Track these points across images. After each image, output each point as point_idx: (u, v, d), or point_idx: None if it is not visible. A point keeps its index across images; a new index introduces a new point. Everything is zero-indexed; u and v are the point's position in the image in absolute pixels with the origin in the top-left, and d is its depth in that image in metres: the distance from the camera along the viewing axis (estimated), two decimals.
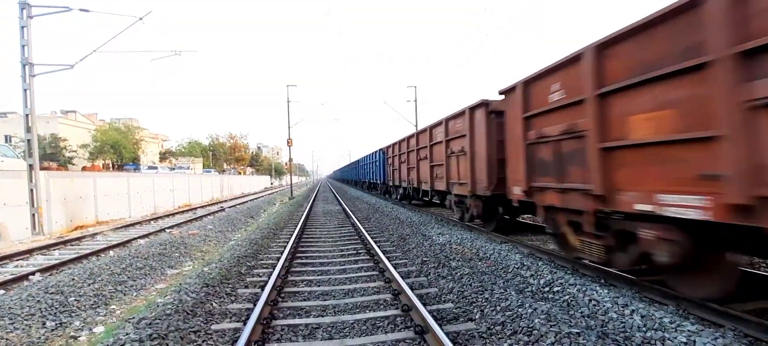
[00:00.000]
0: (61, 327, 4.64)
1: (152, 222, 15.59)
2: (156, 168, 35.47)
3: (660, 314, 3.50)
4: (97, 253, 8.76)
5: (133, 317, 4.21)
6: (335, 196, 26.46)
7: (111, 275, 6.64)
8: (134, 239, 10.63)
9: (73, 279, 6.21)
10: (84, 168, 27.70)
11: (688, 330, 3.17)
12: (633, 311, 3.63)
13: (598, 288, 4.27)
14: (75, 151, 32.25)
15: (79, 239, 11.23)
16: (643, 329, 3.33)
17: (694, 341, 3.01)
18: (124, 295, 5.97)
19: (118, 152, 34.50)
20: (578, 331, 3.38)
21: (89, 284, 6.08)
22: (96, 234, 12.08)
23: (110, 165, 35.20)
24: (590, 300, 3.99)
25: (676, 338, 3.10)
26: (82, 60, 12.24)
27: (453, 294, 4.82)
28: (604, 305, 3.83)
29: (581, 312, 3.83)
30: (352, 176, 41.50)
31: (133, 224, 14.70)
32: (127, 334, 3.72)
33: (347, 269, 6.36)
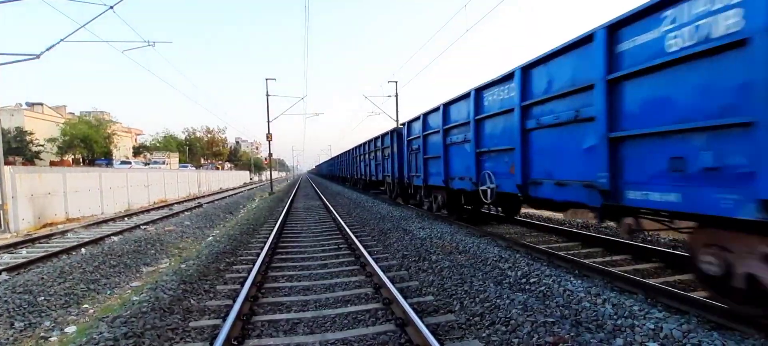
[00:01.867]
0: (30, 328, 4.47)
1: (126, 219, 15.13)
2: (129, 163, 34.39)
3: (630, 303, 3.65)
4: (67, 251, 8.44)
5: (107, 316, 4.10)
6: (316, 191, 26.28)
7: (83, 273, 6.43)
8: (107, 236, 10.29)
9: (43, 278, 5.97)
10: (52, 163, 26.57)
11: (656, 317, 3.32)
12: (605, 300, 3.77)
13: (572, 279, 4.42)
14: (42, 145, 30.88)
15: (48, 236, 10.80)
16: (615, 317, 3.47)
17: (662, 327, 3.15)
18: (98, 293, 5.79)
19: (88, 147, 33.20)
20: (553, 320, 3.49)
21: (60, 283, 5.86)
22: (66, 231, 11.64)
23: (80, 160, 33.87)
24: (565, 291, 4.12)
25: (644, 324, 3.24)
26: (49, 50, 11.67)
27: (433, 287, 4.89)
28: (577, 295, 3.96)
29: (556, 302, 3.95)
30: (333, 171, 41.42)
31: (105, 221, 14.23)
32: (100, 333, 3.63)
33: (328, 263, 6.35)
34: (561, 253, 5.79)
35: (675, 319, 3.28)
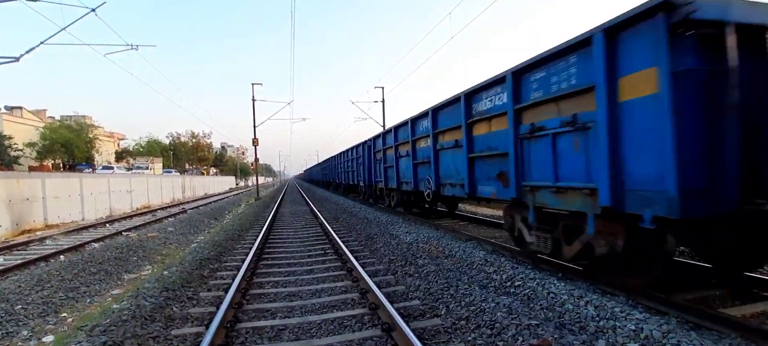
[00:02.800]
0: (7, 337, 4.33)
1: (108, 225, 14.78)
2: (112, 168, 33.60)
3: (612, 304, 3.72)
4: (46, 258, 8.20)
5: (86, 325, 3.99)
6: (303, 196, 26.12)
7: (62, 281, 6.25)
8: (88, 242, 10.03)
9: (20, 286, 5.80)
10: (31, 168, 25.82)
11: (637, 318, 3.39)
12: (587, 302, 3.83)
13: (555, 281, 4.48)
14: (21, 150, 29.98)
15: (25, 243, 10.48)
16: (597, 318, 3.52)
17: (642, 328, 3.22)
18: (77, 302, 5.64)
19: (69, 152, 32.39)
20: (537, 323, 3.53)
21: (37, 291, 5.70)
22: (45, 238, 11.30)
23: (61, 165, 33.01)
24: (548, 293, 4.18)
25: (625, 326, 3.30)
26: (29, 52, 11.39)
27: (420, 291, 4.90)
28: (561, 298, 4.01)
29: (540, 305, 4.00)
30: (320, 176, 41.35)
31: (86, 227, 13.87)
32: (79, 342, 3.54)
33: (315, 269, 6.31)
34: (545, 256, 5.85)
35: (655, 320, 3.35)
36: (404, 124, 10.27)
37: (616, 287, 4.36)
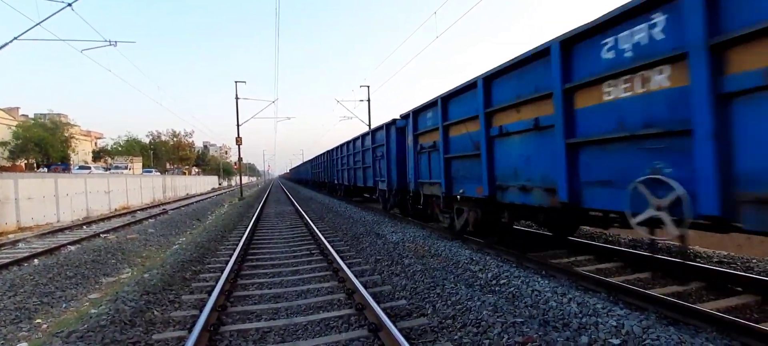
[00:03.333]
0: None
1: (85, 227, 14.33)
2: (89, 168, 32.61)
3: (594, 301, 3.79)
4: (18, 262, 7.88)
5: (62, 331, 3.85)
6: (288, 196, 25.87)
7: (36, 285, 6.03)
8: (63, 245, 9.70)
9: None
10: (3, 168, 24.84)
11: (618, 314, 3.47)
12: (570, 299, 3.90)
13: (539, 279, 4.55)
14: None
15: None
16: (580, 315, 3.59)
17: (623, 324, 3.29)
18: (52, 307, 5.44)
19: (44, 151, 31.28)
20: (522, 320, 3.58)
21: (10, 297, 5.48)
22: (18, 241, 10.88)
23: (34, 165, 31.85)
24: (533, 291, 4.24)
25: (607, 322, 3.37)
26: (2, 48, 10.95)
27: (406, 291, 4.91)
28: (545, 295, 4.08)
29: (525, 302, 4.05)
30: (310, 176, 40.95)
31: (62, 230, 13.42)
32: None
33: (301, 269, 6.25)
34: (529, 254, 5.95)
35: (635, 316, 3.43)
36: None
37: (598, 284, 4.45)
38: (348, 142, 16.63)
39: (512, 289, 4.43)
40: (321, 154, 27.58)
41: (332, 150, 21.04)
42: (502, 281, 4.69)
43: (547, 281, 4.48)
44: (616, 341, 3.11)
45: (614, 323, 3.33)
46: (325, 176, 25.04)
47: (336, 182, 20.31)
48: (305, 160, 52.82)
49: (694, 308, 3.58)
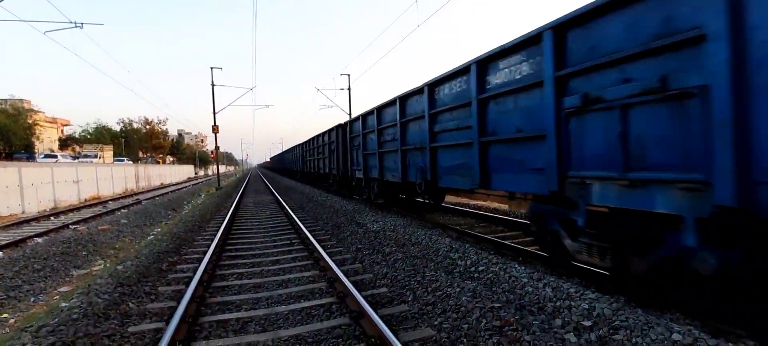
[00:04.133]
0: None
1: (52, 218, 13.76)
2: (55, 156, 31.18)
3: (567, 286, 3.94)
4: None
5: (31, 325, 3.72)
6: (267, 186, 25.52)
7: (0, 279, 5.77)
8: (30, 237, 9.30)
9: None
10: None
11: (590, 298, 3.62)
12: (545, 284, 4.04)
13: (516, 266, 4.68)
14: None
15: None
16: (554, 299, 3.73)
17: (594, 307, 3.44)
18: (19, 301, 5.23)
19: (5, 138, 29.68)
20: (500, 305, 3.69)
21: None
22: None
23: None
24: (510, 277, 4.36)
25: (580, 305, 3.52)
26: None
27: (387, 279, 4.96)
28: (521, 281, 4.21)
29: (502, 288, 4.17)
30: (285, 165, 40.56)
31: (27, 221, 12.85)
32: (24, 345, 3.29)
33: (281, 259, 6.21)
34: (507, 242, 6.11)
35: (606, 299, 3.59)
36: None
37: (572, 271, 4.62)
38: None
39: (490, 275, 4.55)
40: (294, 146, 31.61)
41: (303, 143, 24.74)
42: (480, 268, 4.80)
43: (523, 268, 4.61)
44: (588, 323, 3.25)
45: (586, 306, 3.47)
46: (298, 165, 28.48)
47: (305, 170, 24.17)
48: (284, 149, 52.28)
49: (658, 293, 3.77)
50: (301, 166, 26.59)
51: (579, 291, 3.78)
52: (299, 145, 27.41)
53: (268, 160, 75.62)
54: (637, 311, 3.31)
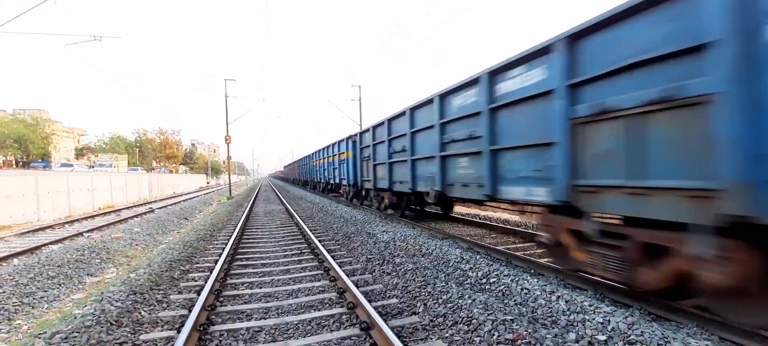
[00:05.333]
0: None
1: (67, 226, 14.01)
2: (71, 165, 31.87)
3: (581, 299, 3.87)
4: None
5: (45, 332, 3.76)
6: (277, 195, 25.68)
7: (15, 286, 5.87)
8: (45, 244, 9.47)
9: None
10: None
11: (604, 311, 3.54)
12: (558, 297, 3.97)
13: (528, 278, 4.61)
14: None
15: None
16: (568, 312, 3.66)
17: (609, 320, 3.37)
18: (33, 308, 5.31)
19: (23, 147, 30.47)
20: (512, 318, 3.63)
21: None
22: None
23: (13, 162, 30.99)
24: (522, 289, 4.30)
25: (594, 318, 3.44)
26: None
27: (397, 289, 4.93)
28: (534, 293, 4.14)
29: (514, 300, 4.11)
30: (296, 176, 40.84)
31: (43, 229, 13.09)
32: None
33: (291, 269, 6.22)
34: (518, 253, 6.04)
35: (621, 312, 3.51)
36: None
37: (585, 282, 4.54)
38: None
39: (502, 287, 4.49)
40: (304, 157, 32.22)
41: (313, 153, 25.09)
42: (492, 280, 4.74)
43: (535, 279, 4.55)
44: (603, 337, 3.18)
45: (600, 320, 3.40)
46: (308, 176, 28.76)
47: (315, 179, 24.34)
48: (294, 159, 52.71)
49: (675, 305, 3.68)
50: (311, 177, 26.77)
51: (593, 304, 3.71)
52: (309, 155, 27.70)
53: (281, 169, 75.95)
54: (652, 325, 3.24)
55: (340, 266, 5.67)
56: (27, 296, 5.61)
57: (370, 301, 4.27)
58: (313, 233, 8.72)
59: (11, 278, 6.18)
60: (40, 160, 31.56)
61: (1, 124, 30.99)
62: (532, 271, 5.18)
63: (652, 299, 3.85)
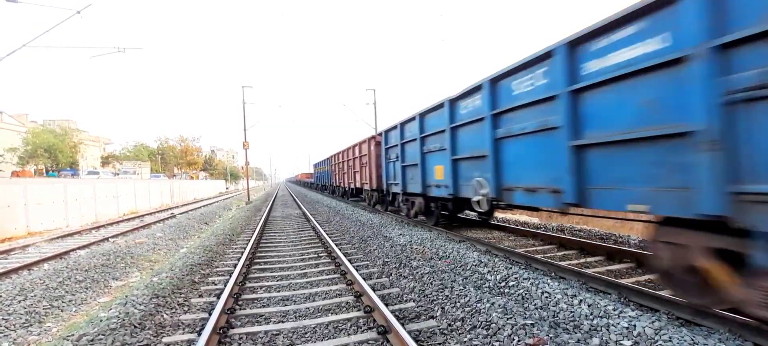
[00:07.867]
0: None
1: (93, 231, 14.48)
2: (97, 173, 32.99)
3: (604, 303, 3.75)
4: (28, 266, 7.98)
5: (73, 334, 3.88)
6: (294, 199, 25.94)
7: (46, 289, 6.09)
8: (73, 249, 9.81)
9: (0, 296, 5.62)
10: (15, 173, 25.19)
11: (629, 316, 3.43)
12: (581, 301, 3.86)
13: (549, 281, 4.51)
14: (1, 155, 29.27)
15: (6, 251, 10.19)
16: (590, 317, 3.55)
17: (635, 325, 3.25)
18: (62, 311, 5.49)
19: (53, 156, 31.71)
20: (532, 322, 3.55)
21: (20, 301, 5.53)
22: (27, 246, 11.01)
23: (44, 170, 32.28)
24: (542, 293, 4.20)
25: (619, 323, 3.34)
26: (10, 55, 11.12)
27: (415, 293, 4.89)
28: (555, 297, 4.04)
29: (535, 304, 4.02)
30: (314, 180, 41.14)
31: (71, 234, 13.56)
32: None
33: (308, 272, 6.25)
34: (538, 256, 5.91)
35: (647, 317, 3.39)
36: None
37: (609, 285, 4.41)
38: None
39: (521, 291, 4.40)
40: (321, 161, 30.79)
41: (331, 156, 23.89)
42: (511, 283, 4.66)
43: (556, 283, 4.44)
44: (628, 343, 3.07)
45: (625, 325, 3.29)
46: (326, 180, 27.84)
47: (334, 184, 23.22)
48: (312, 163, 53.25)
49: (706, 309, 3.52)
50: (329, 181, 26.31)
51: (617, 308, 3.59)
52: (327, 159, 27.10)
53: (299, 174, 76.25)
54: (681, 330, 3.11)
55: (356, 270, 5.67)
56: (56, 300, 5.81)
57: (387, 305, 4.25)
58: (329, 237, 8.76)
59: (42, 282, 6.42)
60: (68, 169, 32.80)
61: (34, 134, 32.38)
62: (553, 274, 5.06)
63: (680, 302, 3.70)
